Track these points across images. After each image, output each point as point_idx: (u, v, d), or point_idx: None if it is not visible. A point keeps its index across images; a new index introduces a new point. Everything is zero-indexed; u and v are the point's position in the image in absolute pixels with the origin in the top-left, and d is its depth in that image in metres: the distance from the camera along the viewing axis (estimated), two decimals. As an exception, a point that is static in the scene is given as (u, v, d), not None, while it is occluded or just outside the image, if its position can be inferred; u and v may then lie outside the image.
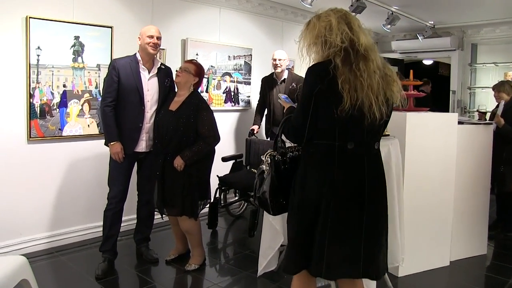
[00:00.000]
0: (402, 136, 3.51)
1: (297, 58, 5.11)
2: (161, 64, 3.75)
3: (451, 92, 7.52)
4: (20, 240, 3.90)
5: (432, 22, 7.02)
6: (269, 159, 2.31)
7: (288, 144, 2.46)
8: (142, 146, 3.61)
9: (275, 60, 5.08)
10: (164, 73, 3.70)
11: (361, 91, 1.99)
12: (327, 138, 2.09)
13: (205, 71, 4.51)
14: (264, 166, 2.34)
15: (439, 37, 7.38)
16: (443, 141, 3.76)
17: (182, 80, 3.55)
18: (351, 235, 2.10)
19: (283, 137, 2.37)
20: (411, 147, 3.57)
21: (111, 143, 3.50)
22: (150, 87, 3.60)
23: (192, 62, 3.68)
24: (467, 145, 3.97)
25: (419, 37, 7.02)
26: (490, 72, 7.43)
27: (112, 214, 3.60)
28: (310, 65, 2.12)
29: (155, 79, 3.63)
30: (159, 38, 3.58)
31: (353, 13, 2.01)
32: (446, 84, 7.90)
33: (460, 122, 3.93)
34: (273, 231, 3.34)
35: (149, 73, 3.60)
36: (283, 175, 2.30)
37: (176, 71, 3.61)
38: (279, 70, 5.08)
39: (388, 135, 3.34)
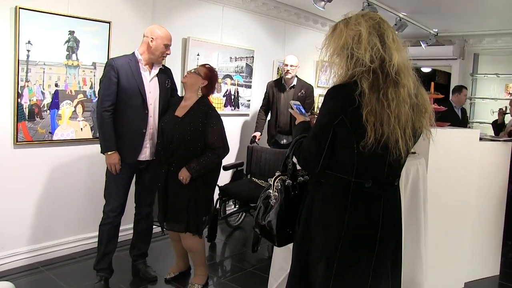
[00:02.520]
0: (425, 154, 3.27)
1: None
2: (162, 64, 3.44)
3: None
4: (2, 255, 3.52)
5: (436, 30, 6.84)
6: (279, 184, 2.01)
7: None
8: (145, 154, 3.30)
9: (286, 65, 4.84)
10: (164, 74, 3.41)
11: (387, 125, 1.69)
12: (342, 172, 1.81)
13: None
14: (271, 191, 2.03)
15: (441, 45, 7.18)
16: (464, 159, 3.55)
17: (188, 81, 3.27)
18: (357, 281, 1.86)
19: (294, 159, 2.04)
20: (434, 166, 3.33)
21: (109, 153, 3.18)
22: (152, 89, 3.30)
23: (205, 66, 3.38)
24: (485, 163, 3.76)
25: (422, 45, 6.79)
26: (492, 83, 7.30)
27: (109, 229, 3.27)
28: (333, 87, 1.80)
29: (156, 80, 3.33)
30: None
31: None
32: (444, 92, 7.70)
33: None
34: (286, 251, 3.06)
35: (149, 74, 3.29)
36: (292, 202, 2.01)
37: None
38: (289, 76, 4.85)
39: (414, 153, 3.12)
